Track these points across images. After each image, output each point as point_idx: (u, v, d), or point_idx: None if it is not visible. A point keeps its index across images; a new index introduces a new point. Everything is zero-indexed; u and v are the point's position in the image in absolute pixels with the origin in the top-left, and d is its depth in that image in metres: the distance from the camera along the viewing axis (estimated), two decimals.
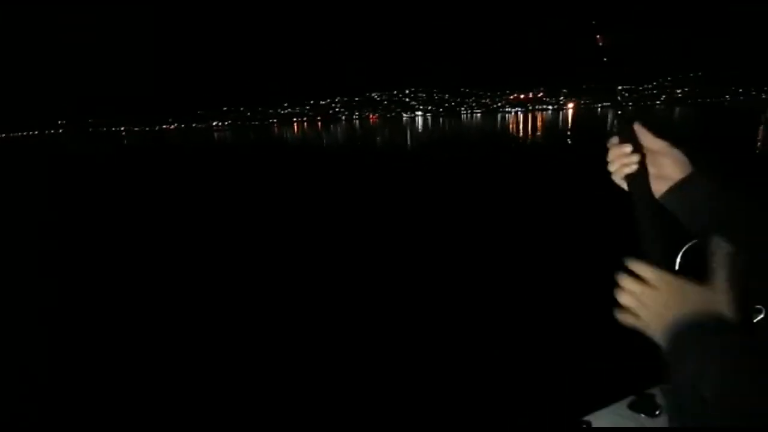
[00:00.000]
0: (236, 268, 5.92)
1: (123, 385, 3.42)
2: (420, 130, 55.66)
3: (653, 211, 0.79)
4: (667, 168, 0.84)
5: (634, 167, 0.83)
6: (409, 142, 31.92)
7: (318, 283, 5.21)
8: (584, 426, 1.35)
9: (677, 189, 0.81)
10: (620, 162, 0.85)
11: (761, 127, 24.15)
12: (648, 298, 0.72)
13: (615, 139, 0.88)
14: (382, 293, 4.81)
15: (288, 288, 5.12)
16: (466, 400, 3.04)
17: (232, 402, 3.08)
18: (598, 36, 0.87)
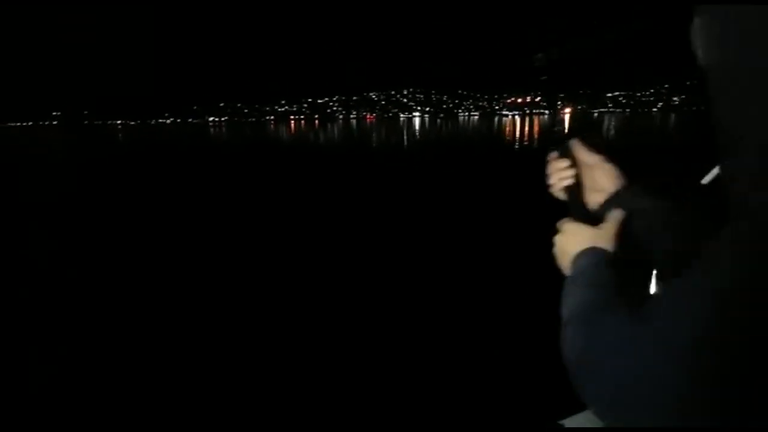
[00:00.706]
0: (230, 267, 5.84)
1: (120, 384, 3.39)
2: (417, 131, 55.61)
3: (586, 221, 0.85)
4: (601, 181, 0.88)
5: (570, 180, 0.90)
6: (405, 143, 31.71)
7: (311, 281, 5.16)
8: (559, 429, 1.35)
9: (610, 202, 0.86)
10: (558, 176, 0.92)
11: None
12: (557, 242, 0.85)
13: (553, 154, 0.94)
14: (373, 293, 4.77)
15: (282, 285, 5.07)
16: (442, 402, 3.05)
17: (231, 401, 3.07)
18: (539, 55, 0.91)
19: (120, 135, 76.39)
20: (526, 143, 29.11)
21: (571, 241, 0.81)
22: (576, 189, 0.90)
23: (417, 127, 78.59)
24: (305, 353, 3.66)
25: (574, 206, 0.89)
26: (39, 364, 3.70)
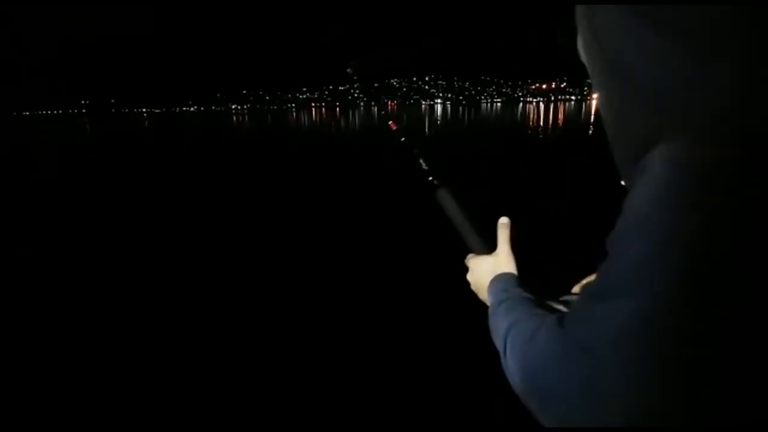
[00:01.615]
0: (243, 259, 5.86)
1: (117, 382, 3.38)
2: (439, 119, 55.07)
3: (463, 215, 0.95)
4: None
5: (457, 220, 0.98)
6: (426, 130, 31.41)
7: (322, 276, 5.15)
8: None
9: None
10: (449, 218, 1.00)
11: None
12: (469, 280, 0.90)
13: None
14: (392, 285, 4.79)
15: (292, 280, 5.06)
16: (447, 403, 3.04)
17: (230, 400, 3.09)
18: (323, 39, 0.86)
19: (146, 122, 77.56)
20: (549, 132, 28.50)
21: (478, 275, 0.86)
22: (463, 225, 0.96)
23: (439, 114, 77.85)
24: (310, 351, 3.69)
25: (469, 241, 0.94)
26: (32, 362, 3.75)
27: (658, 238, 0.38)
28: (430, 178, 1.05)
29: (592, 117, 47.43)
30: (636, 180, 0.43)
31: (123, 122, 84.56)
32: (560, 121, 39.35)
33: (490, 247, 0.90)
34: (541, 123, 38.33)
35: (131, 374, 3.44)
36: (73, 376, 3.46)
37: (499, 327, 0.68)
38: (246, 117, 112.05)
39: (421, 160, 1.06)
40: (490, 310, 0.75)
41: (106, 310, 4.53)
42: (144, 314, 4.38)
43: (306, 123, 55.65)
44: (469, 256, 0.92)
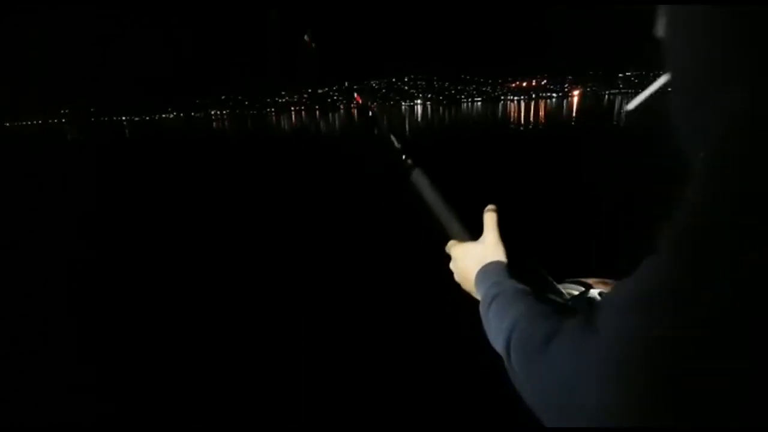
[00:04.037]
0: (230, 260, 5.93)
1: (115, 382, 3.44)
2: (419, 119, 55.21)
3: (442, 199, 0.90)
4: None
5: (435, 205, 0.93)
6: (407, 131, 31.64)
7: (309, 275, 5.20)
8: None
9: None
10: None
11: None
12: (453, 269, 0.85)
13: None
14: (380, 285, 4.80)
15: (280, 280, 5.11)
16: (464, 401, 2.99)
17: (229, 400, 3.11)
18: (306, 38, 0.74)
19: (126, 131, 76.48)
20: (530, 128, 28.83)
21: (464, 264, 0.80)
22: (442, 209, 0.91)
23: (419, 114, 78.07)
24: (305, 349, 3.72)
25: (450, 227, 0.89)
26: (29, 361, 3.79)
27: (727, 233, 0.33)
28: (404, 157, 0.97)
29: (574, 113, 48.04)
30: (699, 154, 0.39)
31: (105, 130, 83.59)
32: (541, 118, 39.65)
33: (473, 234, 0.84)
34: (522, 120, 38.70)
35: (128, 374, 3.44)
36: (70, 376, 3.47)
37: (496, 327, 0.63)
38: (226, 122, 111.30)
39: (392, 137, 0.97)
40: (481, 305, 0.71)
41: (92, 313, 4.53)
42: (129, 318, 4.34)
43: (286, 126, 55.58)
44: (451, 243, 0.87)
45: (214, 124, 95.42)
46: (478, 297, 0.74)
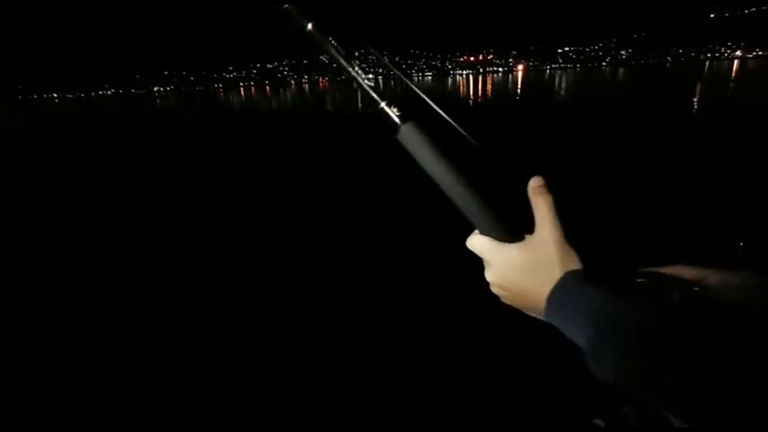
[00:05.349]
0: (213, 252, 5.70)
1: (113, 382, 3.42)
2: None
3: (457, 169, 0.62)
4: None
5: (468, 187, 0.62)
6: (359, 106, 31.43)
7: (301, 267, 5.07)
8: (595, 428, 1.11)
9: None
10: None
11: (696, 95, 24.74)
12: (494, 278, 0.63)
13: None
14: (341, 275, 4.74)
15: (273, 275, 4.95)
16: (472, 400, 2.94)
17: (229, 400, 3.10)
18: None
19: (59, 109, 72.01)
20: (480, 101, 29.28)
21: (517, 278, 0.59)
22: (459, 184, 0.61)
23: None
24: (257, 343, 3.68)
25: (474, 212, 0.62)
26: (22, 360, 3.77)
27: None
28: (381, 105, 0.72)
29: (519, 87, 49.09)
30: None
31: (35, 109, 78.47)
32: (489, 92, 40.35)
33: (512, 225, 0.61)
34: (471, 93, 39.20)
35: (128, 374, 3.37)
36: (67, 376, 3.41)
37: (574, 314, 0.52)
38: (170, 99, 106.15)
39: (355, 71, 0.76)
40: (588, 343, 0.51)
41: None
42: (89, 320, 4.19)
43: (237, 102, 53.82)
44: (479, 239, 0.63)
45: (158, 101, 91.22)
46: (561, 327, 0.55)
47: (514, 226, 0.59)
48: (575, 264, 0.55)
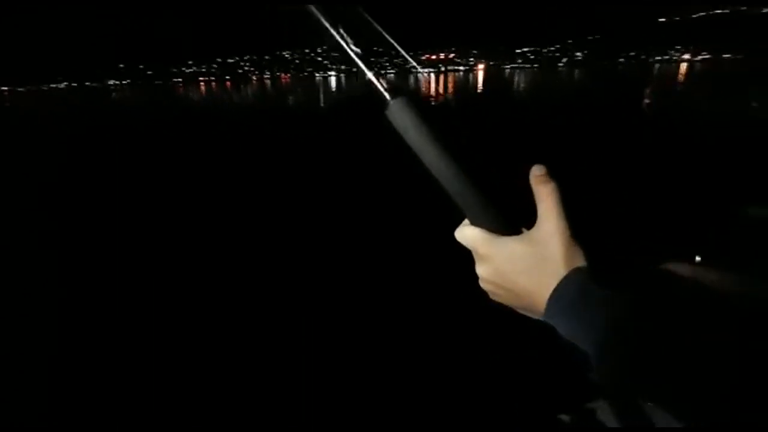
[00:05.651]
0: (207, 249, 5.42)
1: (111, 382, 3.34)
2: (334, 90, 54.86)
3: (450, 152, 0.55)
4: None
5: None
6: (322, 102, 31.58)
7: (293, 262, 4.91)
8: (562, 424, 1.18)
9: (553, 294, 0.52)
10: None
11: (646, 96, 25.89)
12: (485, 274, 0.58)
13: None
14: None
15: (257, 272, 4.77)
16: (458, 401, 2.90)
17: (229, 400, 3.07)
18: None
19: (7, 103, 68.58)
20: (441, 99, 29.69)
21: (513, 277, 0.54)
22: (450, 169, 0.55)
23: (334, 85, 77.40)
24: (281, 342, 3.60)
25: (466, 201, 0.56)
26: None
27: None
28: (369, 76, 0.62)
29: (480, 85, 50.01)
30: None
31: None
32: (450, 90, 40.90)
33: (504, 211, 0.56)
34: (434, 91, 39.66)
35: (127, 374, 3.31)
36: (66, 376, 3.35)
37: (581, 315, 0.48)
38: (127, 92, 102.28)
39: (337, 33, 0.62)
40: (594, 348, 0.47)
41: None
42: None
43: (195, 97, 52.53)
44: (469, 230, 0.58)
45: (114, 95, 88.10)
46: (562, 327, 0.50)
47: (510, 219, 0.55)
48: (581, 261, 0.51)
